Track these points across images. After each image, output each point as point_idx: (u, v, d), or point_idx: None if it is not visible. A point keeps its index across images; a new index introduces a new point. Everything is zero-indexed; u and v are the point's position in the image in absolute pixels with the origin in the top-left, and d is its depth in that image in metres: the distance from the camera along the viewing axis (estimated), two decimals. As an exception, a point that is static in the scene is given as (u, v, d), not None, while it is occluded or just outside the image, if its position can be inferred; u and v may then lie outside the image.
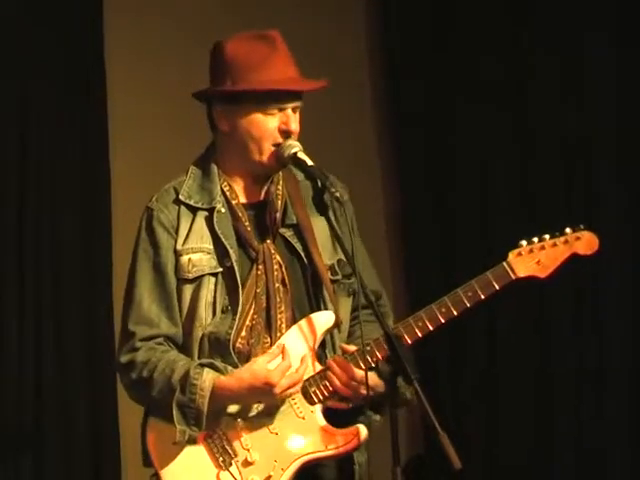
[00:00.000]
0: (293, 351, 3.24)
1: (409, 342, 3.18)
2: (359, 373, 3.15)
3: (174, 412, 3.18)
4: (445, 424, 2.86)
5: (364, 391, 3.15)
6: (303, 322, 3.27)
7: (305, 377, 3.23)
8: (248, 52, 3.29)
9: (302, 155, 3.27)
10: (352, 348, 3.22)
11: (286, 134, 3.27)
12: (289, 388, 3.19)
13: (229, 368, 3.23)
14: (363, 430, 3.23)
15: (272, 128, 3.27)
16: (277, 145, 3.27)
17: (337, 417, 3.27)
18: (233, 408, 3.25)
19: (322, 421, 3.24)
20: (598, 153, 5.28)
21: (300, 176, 3.40)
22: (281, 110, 3.28)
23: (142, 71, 5.38)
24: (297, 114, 3.32)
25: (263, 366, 3.19)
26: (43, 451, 5.08)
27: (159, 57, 5.13)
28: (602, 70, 5.29)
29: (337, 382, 3.18)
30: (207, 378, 3.19)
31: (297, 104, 3.32)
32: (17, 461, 5.00)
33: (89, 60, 5.47)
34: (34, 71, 5.29)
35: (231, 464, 3.21)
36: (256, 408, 3.24)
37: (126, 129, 5.46)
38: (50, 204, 5.30)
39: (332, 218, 3.33)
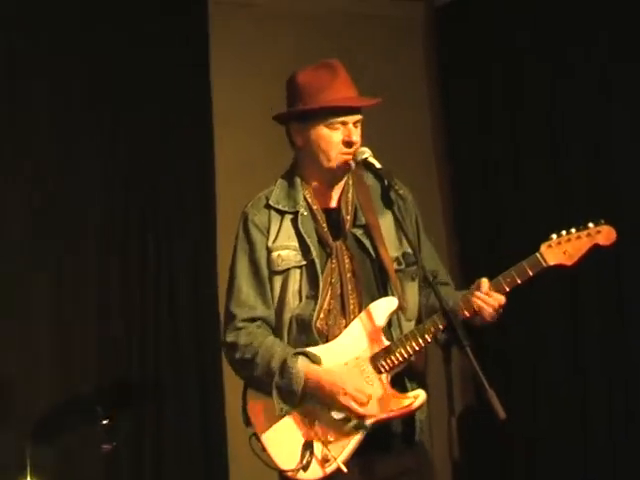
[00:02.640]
0: (362, 334, 3.29)
1: (466, 315, 3.24)
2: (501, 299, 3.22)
3: (274, 392, 3.24)
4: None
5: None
6: (370, 307, 3.31)
7: (373, 353, 3.27)
8: (314, 78, 3.35)
9: (372, 159, 3.31)
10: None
11: (348, 145, 3.32)
12: (349, 409, 3.21)
13: (317, 355, 3.27)
14: (422, 394, 3.27)
15: (337, 140, 3.32)
16: (345, 155, 3.32)
17: (404, 383, 3.32)
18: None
19: (388, 387, 3.26)
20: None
21: (370, 180, 3.42)
22: (344, 124, 3.32)
23: (245, 103, 5.51)
24: (358, 128, 3.35)
25: (349, 378, 3.24)
26: (163, 406, 5.21)
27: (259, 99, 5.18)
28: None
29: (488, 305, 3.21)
30: (300, 366, 3.24)
31: (357, 118, 3.35)
32: (140, 415, 5.12)
33: (195, 79, 5.59)
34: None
35: (314, 423, 3.26)
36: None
37: (230, 137, 5.60)
38: (167, 216, 5.46)
39: (397, 213, 3.33)
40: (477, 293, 3.25)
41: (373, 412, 3.23)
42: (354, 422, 3.24)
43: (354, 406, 3.21)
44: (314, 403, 3.27)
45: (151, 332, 5.34)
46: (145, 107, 5.47)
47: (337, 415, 3.25)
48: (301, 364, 3.25)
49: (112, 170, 5.38)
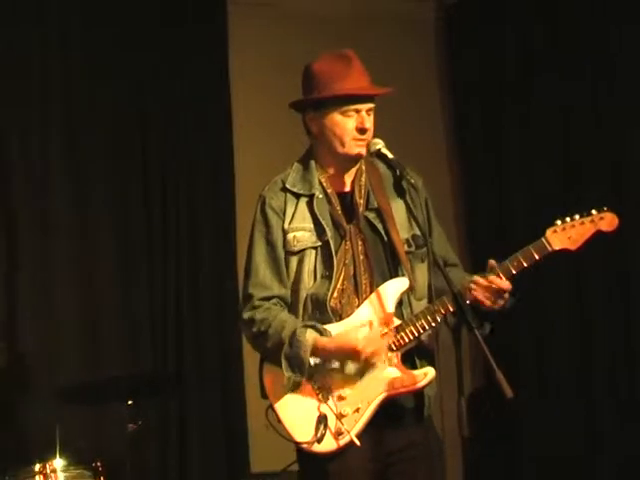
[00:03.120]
0: (372, 313, 3.30)
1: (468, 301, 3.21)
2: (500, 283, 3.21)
3: (282, 361, 3.25)
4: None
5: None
6: (380, 288, 3.31)
7: (384, 331, 3.27)
8: (329, 68, 3.36)
9: (384, 150, 3.33)
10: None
11: (362, 131, 3.32)
12: (372, 355, 3.24)
13: (327, 329, 3.28)
14: (431, 372, 3.28)
15: (350, 127, 3.32)
16: (359, 141, 3.33)
17: (413, 361, 3.33)
18: (334, 364, 3.29)
19: (399, 364, 3.28)
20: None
21: (382, 167, 3.43)
22: (357, 112, 3.32)
23: (262, 96, 5.54)
24: (371, 116, 3.35)
25: (354, 334, 3.25)
26: (186, 387, 5.22)
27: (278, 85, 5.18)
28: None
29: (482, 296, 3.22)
30: (309, 337, 3.24)
31: (370, 106, 3.35)
32: (165, 395, 5.12)
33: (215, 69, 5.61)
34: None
35: (328, 398, 3.26)
36: (352, 364, 3.28)
37: (249, 135, 5.61)
38: (190, 207, 5.48)
39: (409, 200, 3.36)
40: (476, 281, 3.26)
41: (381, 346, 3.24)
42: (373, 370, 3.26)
43: (367, 348, 3.22)
44: (326, 375, 3.28)
45: (173, 318, 5.37)
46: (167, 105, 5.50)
47: (349, 391, 3.27)
48: (309, 335, 3.26)
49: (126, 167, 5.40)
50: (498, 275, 3.24)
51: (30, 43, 5.20)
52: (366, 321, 3.29)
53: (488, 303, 3.24)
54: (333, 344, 3.26)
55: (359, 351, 3.22)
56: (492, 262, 3.27)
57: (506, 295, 3.26)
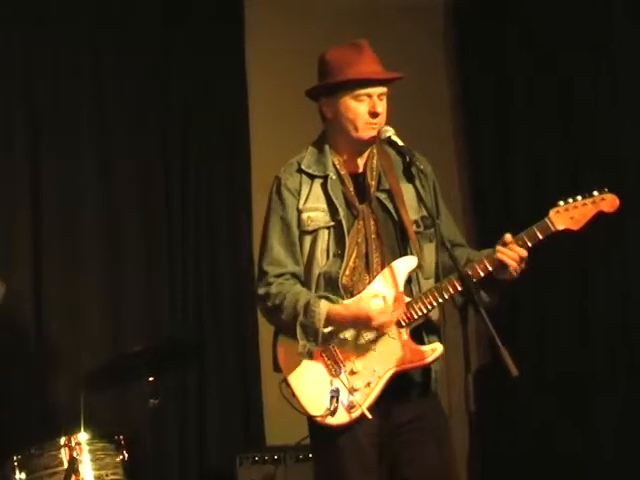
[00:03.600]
0: (384, 288, 3.29)
1: (481, 274, 3.25)
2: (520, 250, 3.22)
3: (297, 330, 3.24)
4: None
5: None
6: (392, 265, 3.31)
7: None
8: (342, 55, 3.35)
9: (395, 137, 3.32)
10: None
11: (374, 115, 3.31)
12: (383, 324, 3.25)
13: (340, 300, 3.28)
14: (439, 347, 3.29)
15: (363, 111, 3.31)
16: (371, 125, 3.32)
17: (422, 337, 3.33)
18: (348, 334, 3.30)
19: (408, 340, 3.28)
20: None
21: (392, 153, 3.42)
22: (369, 96, 3.31)
23: (280, 83, 5.49)
24: (383, 101, 3.34)
25: (367, 303, 3.25)
26: (204, 361, 5.20)
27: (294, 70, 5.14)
28: None
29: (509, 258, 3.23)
30: (323, 306, 3.25)
31: (381, 91, 3.34)
32: (185, 370, 5.16)
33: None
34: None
35: (340, 372, 3.26)
36: (364, 337, 3.29)
37: (265, 125, 5.58)
38: (207, 188, 5.44)
39: (418, 185, 3.36)
40: (500, 247, 3.26)
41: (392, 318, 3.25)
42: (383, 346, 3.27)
43: (381, 317, 3.23)
44: (342, 345, 3.29)
45: (193, 296, 5.36)
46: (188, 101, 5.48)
47: (360, 366, 3.27)
48: (324, 304, 3.26)
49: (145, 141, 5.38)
50: (520, 245, 3.25)
51: (62, 42, 5.20)
52: (379, 293, 3.29)
53: (514, 264, 3.23)
54: (347, 311, 3.26)
55: (371, 318, 3.23)
56: (509, 235, 3.27)
57: (523, 265, 3.27)
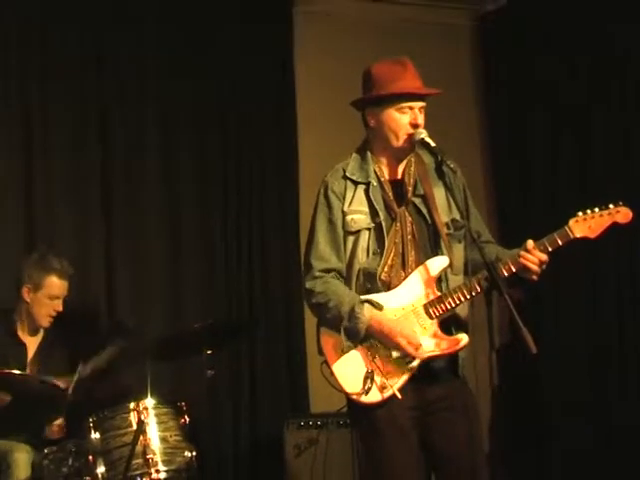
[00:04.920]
0: (420, 283, 3.28)
1: (505, 274, 3.23)
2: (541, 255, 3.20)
3: (342, 333, 3.23)
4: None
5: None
6: (427, 263, 3.29)
7: (427, 301, 3.26)
8: (388, 70, 3.31)
9: (428, 139, 3.28)
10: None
11: (415, 126, 3.28)
12: (405, 349, 3.20)
13: (380, 303, 3.26)
14: (465, 338, 3.26)
15: (405, 123, 3.28)
16: (410, 134, 3.28)
17: (450, 328, 3.30)
18: None
19: (438, 330, 3.26)
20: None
21: (427, 158, 3.38)
22: (411, 109, 3.28)
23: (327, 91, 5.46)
24: (422, 113, 3.31)
25: (399, 330, 3.21)
26: (254, 331, 5.16)
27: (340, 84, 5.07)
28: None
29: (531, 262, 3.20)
30: (366, 313, 3.22)
31: (422, 105, 3.31)
32: (238, 345, 5.16)
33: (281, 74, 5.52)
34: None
35: (375, 357, 3.24)
36: None
37: (312, 126, 5.56)
38: (260, 187, 5.43)
39: (448, 183, 3.31)
40: (523, 252, 3.23)
41: (423, 354, 3.22)
42: (408, 360, 3.23)
43: (409, 348, 3.20)
44: (375, 341, 3.26)
45: (246, 279, 5.37)
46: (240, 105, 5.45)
47: (395, 354, 3.24)
48: (366, 311, 3.23)
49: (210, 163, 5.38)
50: (541, 250, 3.22)
51: (130, 42, 5.21)
52: (410, 303, 3.27)
53: (535, 269, 3.21)
54: (386, 324, 3.23)
55: (400, 338, 3.21)
56: (531, 241, 3.24)
57: (543, 267, 3.24)
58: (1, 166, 4.90)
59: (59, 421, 4.24)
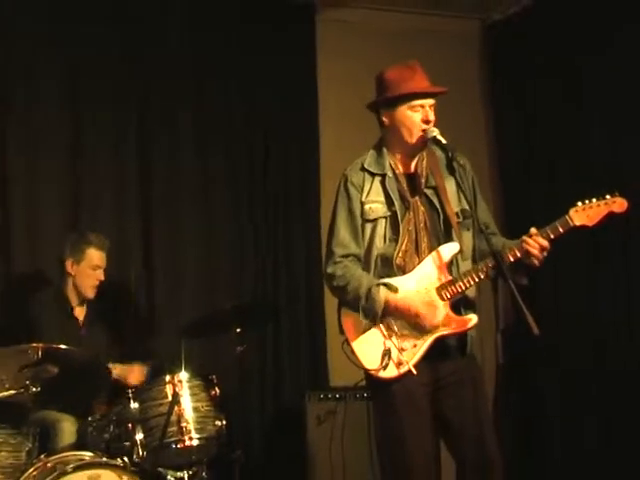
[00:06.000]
0: (433, 268, 3.26)
1: (510, 259, 3.20)
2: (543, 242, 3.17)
3: (360, 313, 3.22)
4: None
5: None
6: (439, 249, 3.27)
7: (439, 284, 3.24)
8: (400, 74, 3.30)
9: (439, 136, 3.25)
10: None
11: (426, 123, 3.26)
12: (426, 323, 3.21)
13: (395, 286, 3.23)
14: (474, 318, 3.24)
15: (417, 120, 3.26)
16: (423, 131, 3.27)
17: (460, 309, 3.29)
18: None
19: (449, 311, 3.24)
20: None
21: (438, 153, 3.36)
22: (422, 107, 3.27)
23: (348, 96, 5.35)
24: (432, 110, 3.29)
25: (417, 302, 3.21)
26: (279, 312, 5.19)
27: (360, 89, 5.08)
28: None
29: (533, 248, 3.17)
30: (382, 294, 3.21)
31: (432, 102, 3.29)
32: (264, 325, 5.11)
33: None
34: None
35: (392, 335, 3.23)
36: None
37: (333, 123, 5.50)
38: (284, 180, 5.39)
39: (458, 178, 3.30)
40: (526, 238, 3.20)
41: (436, 324, 3.21)
42: (425, 330, 3.22)
43: (426, 318, 3.19)
44: (392, 321, 3.24)
45: (271, 263, 5.34)
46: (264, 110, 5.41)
47: (409, 332, 3.22)
48: (382, 292, 3.21)
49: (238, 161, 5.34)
50: (542, 237, 3.20)
51: (163, 42, 5.16)
52: (424, 286, 3.25)
53: (537, 253, 3.18)
54: (401, 304, 3.22)
55: (419, 315, 3.20)
56: (534, 229, 3.22)
57: (545, 253, 3.21)
58: (48, 152, 4.91)
59: (104, 400, 4.23)
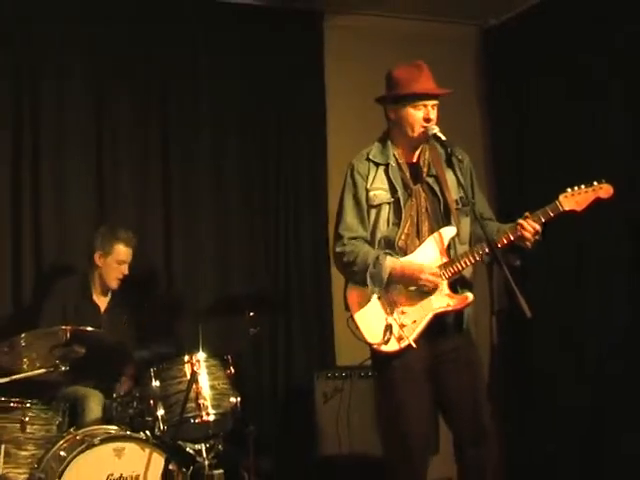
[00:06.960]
0: (434, 248, 3.28)
1: (504, 242, 3.22)
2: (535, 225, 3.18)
3: (367, 278, 3.23)
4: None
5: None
6: (440, 232, 3.29)
7: (439, 264, 3.25)
8: (407, 73, 3.32)
9: (439, 133, 3.27)
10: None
11: (428, 121, 3.28)
12: (428, 280, 3.22)
13: (397, 257, 3.26)
14: (470, 296, 3.26)
15: (419, 118, 3.29)
16: (424, 127, 3.28)
17: (457, 288, 3.30)
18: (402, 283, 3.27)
19: (447, 290, 3.26)
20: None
21: (438, 148, 3.37)
22: (425, 106, 3.29)
23: (355, 88, 5.34)
24: (435, 109, 3.31)
25: (419, 264, 3.24)
26: (289, 297, 5.22)
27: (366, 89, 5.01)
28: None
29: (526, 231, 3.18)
30: (388, 260, 3.23)
31: (434, 103, 3.31)
32: (276, 309, 5.12)
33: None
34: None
35: (393, 312, 3.25)
36: (413, 289, 3.26)
37: (340, 121, 5.45)
38: (294, 174, 5.33)
39: (457, 172, 3.31)
40: (520, 221, 3.21)
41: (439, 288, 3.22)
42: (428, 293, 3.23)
43: (431, 279, 3.21)
44: (397, 292, 3.25)
45: (282, 252, 5.31)
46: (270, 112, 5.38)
47: (414, 290, 3.24)
48: (389, 259, 3.24)
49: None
50: (535, 220, 3.21)
51: (179, 43, 5.14)
52: (427, 256, 3.25)
53: (530, 237, 3.20)
54: (407, 265, 3.24)
55: (422, 272, 3.20)
56: (527, 213, 3.24)
57: (537, 236, 3.22)
58: (75, 146, 4.91)
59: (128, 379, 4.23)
